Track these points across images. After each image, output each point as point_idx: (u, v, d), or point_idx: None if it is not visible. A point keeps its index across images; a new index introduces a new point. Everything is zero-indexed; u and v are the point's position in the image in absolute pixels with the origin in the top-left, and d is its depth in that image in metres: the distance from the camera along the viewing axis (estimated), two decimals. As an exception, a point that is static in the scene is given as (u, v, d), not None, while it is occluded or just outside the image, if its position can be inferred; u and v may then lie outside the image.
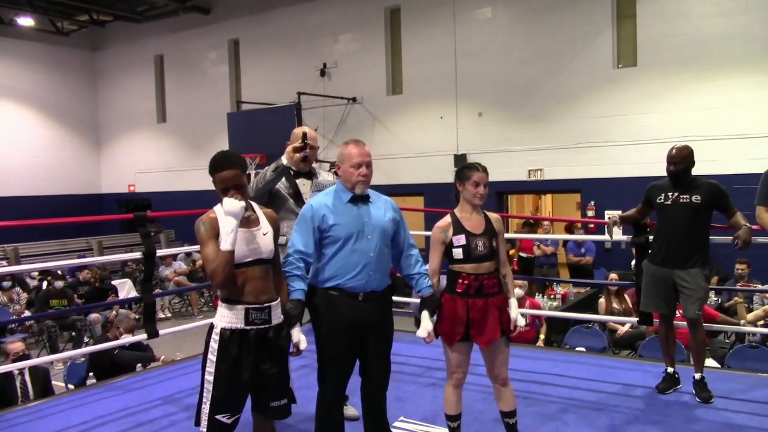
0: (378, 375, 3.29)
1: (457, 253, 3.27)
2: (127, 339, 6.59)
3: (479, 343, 3.29)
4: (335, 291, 3.16)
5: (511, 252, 12.06)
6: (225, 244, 2.66)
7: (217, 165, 2.79)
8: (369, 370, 3.28)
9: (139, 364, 6.88)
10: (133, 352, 6.86)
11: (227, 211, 2.67)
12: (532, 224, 12.14)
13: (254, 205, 2.92)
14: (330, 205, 3.19)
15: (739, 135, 9.93)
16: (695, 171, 4.24)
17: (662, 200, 4.25)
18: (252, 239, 2.79)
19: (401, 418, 3.99)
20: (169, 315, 12.46)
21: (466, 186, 3.32)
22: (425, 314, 3.26)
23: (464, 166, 3.37)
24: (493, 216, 3.42)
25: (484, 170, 3.32)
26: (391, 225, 3.27)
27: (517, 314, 3.38)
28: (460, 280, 3.27)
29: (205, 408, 2.75)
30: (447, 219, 3.36)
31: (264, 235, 2.83)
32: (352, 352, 3.21)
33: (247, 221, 2.78)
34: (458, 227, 3.30)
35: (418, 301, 3.34)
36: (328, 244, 3.17)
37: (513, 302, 3.40)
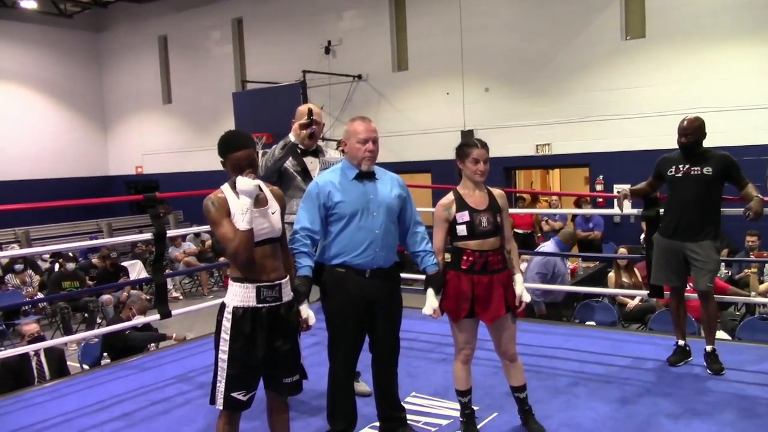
0: (387, 351, 3.32)
1: (461, 229, 3.26)
2: (140, 320, 6.67)
3: (484, 320, 3.30)
4: (342, 268, 3.17)
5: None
6: (242, 224, 2.66)
7: (229, 144, 2.77)
8: (378, 346, 3.30)
9: (153, 344, 6.96)
10: (145, 333, 6.93)
11: (242, 189, 2.65)
12: (524, 199, 12.14)
13: (261, 183, 2.92)
14: (336, 183, 3.19)
15: (750, 106, 9.82)
16: (706, 142, 4.20)
17: (673, 173, 4.22)
18: (262, 218, 2.79)
19: (413, 393, 4.01)
20: (180, 295, 12.54)
21: (466, 163, 3.30)
22: (430, 291, 3.27)
23: (463, 143, 3.34)
24: (497, 191, 3.40)
25: (484, 146, 3.29)
26: (397, 202, 3.26)
27: (522, 290, 3.37)
28: (465, 257, 3.26)
29: (221, 386, 2.77)
30: (450, 196, 3.34)
31: (272, 213, 2.83)
32: (360, 328, 3.24)
33: (257, 200, 2.78)
34: (461, 204, 3.29)
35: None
36: (333, 221, 3.18)
37: (518, 278, 3.39)
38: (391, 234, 3.26)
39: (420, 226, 3.39)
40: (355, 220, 3.15)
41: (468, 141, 3.34)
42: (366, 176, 3.22)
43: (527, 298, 3.38)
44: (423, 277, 3.35)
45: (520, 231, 11.55)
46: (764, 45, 9.82)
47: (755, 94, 9.84)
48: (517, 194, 12.83)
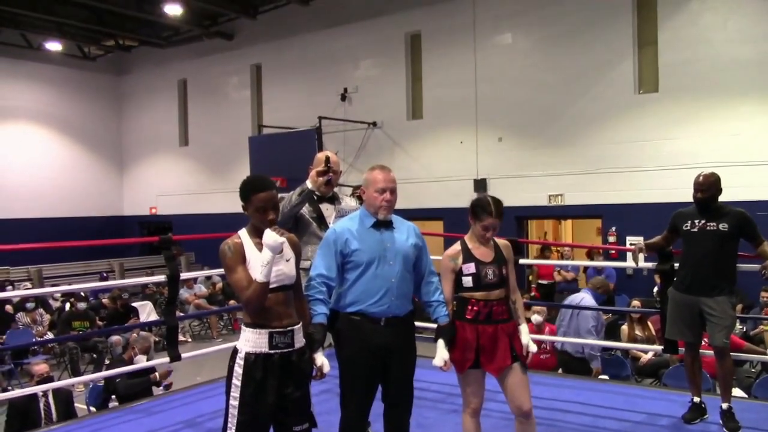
0: (401, 400, 3.28)
1: (467, 281, 3.28)
2: (142, 361, 6.63)
3: (490, 371, 3.28)
4: (357, 316, 3.17)
5: (531, 278, 11.98)
6: (260, 276, 2.68)
7: (253, 186, 2.82)
8: (391, 395, 3.27)
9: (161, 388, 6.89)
10: (133, 381, 6.64)
11: (267, 243, 2.67)
12: (546, 252, 12.08)
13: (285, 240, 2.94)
14: (353, 230, 3.21)
15: (762, 161, 9.83)
16: (720, 198, 4.21)
17: (688, 227, 4.22)
18: (277, 265, 2.81)
19: (423, 445, 3.95)
20: (189, 338, 12.49)
21: (476, 224, 3.32)
22: (441, 343, 3.26)
23: (478, 205, 3.32)
24: (503, 243, 3.42)
25: (498, 215, 3.27)
26: (413, 251, 3.28)
27: (528, 340, 3.37)
28: (470, 307, 3.28)
29: (231, 432, 2.75)
30: (456, 247, 3.37)
31: (287, 261, 2.85)
32: (374, 377, 3.21)
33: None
34: (468, 256, 3.31)
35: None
36: (350, 268, 3.19)
37: (524, 328, 3.39)
38: (407, 282, 3.26)
39: (434, 276, 3.40)
40: (372, 268, 3.16)
41: (485, 206, 3.29)
42: (383, 225, 3.24)
43: (533, 348, 3.38)
44: (434, 325, 3.34)
45: (544, 282, 11.52)
46: (776, 101, 9.88)
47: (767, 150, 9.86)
48: (542, 245, 12.83)
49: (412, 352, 3.34)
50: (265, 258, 2.68)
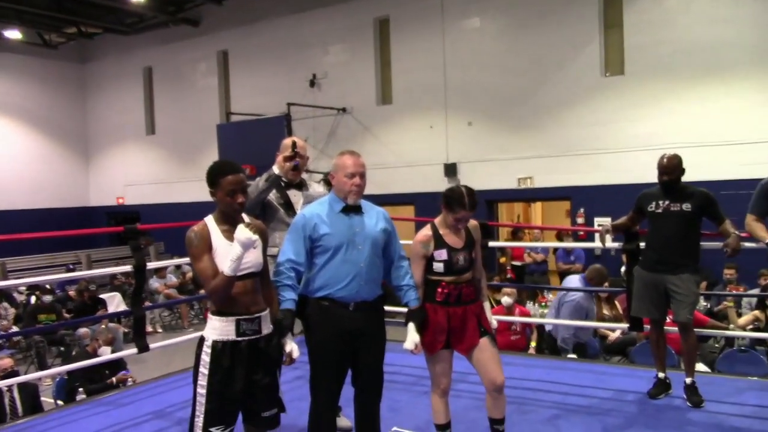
0: (371, 385, 3.29)
1: (438, 267, 3.31)
2: (107, 353, 6.57)
3: (459, 351, 3.34)
4: (326, 301, 3.16)
5: (503, 260, 12.09)
6: (228, 270, 2.66)
7: (221, 170, 2.79)
8: (361, 380, 3.27)
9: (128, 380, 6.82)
10: (93, 387, 6.50)
11: (239, 239, 2.64)
12: (519, 233, 12.19)
13: (245, 217, 2.92)
14: (322, 215, 3.20)
15: (726, 141, 10.01)
16: (684, 177, 4.28)
17: (653, 208, 4.29)
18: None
19: (394, 428, 3.97)
20: (160, 330, 12.37)
21: (449, 214, 3.33)
22: (411, 326, 3.27)
23: (453, 197, 3.29)
24: (472, 224, 3.44)
25: (471, 206, 3.26)
26: (382, 236, 3.27)
27: (491, 316, 3.49)
28: (440, 290, 3.31)
29: (199, 421, 2.74)
30: (427, 232, 3.37)
31: (255, 248, 2.83)
32: (344, 361, 3.21)
33: None
34: (439, 242, 3.33)
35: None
36: (319, 253, 3.18)
37: (486, 305, 3.50)
38: (376, 267, 3.26)
39: (404, 260, 3.40)
40: (341, 252, 3.15)
41: (459, 199, 3.27)
42: (352, 210, 3.23)
43: (494, 324, 3.51)
44: (403, 309, 3.35)
45: (518, 263, 11.65)
46: (740, 82, 10.05)
47: (731, 130, 10.05)
48: (511, 228, 12.98)
49: (382, 336, 3.34)
50: (234, 253, 2.65)
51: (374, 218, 3.29)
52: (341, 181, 3.20)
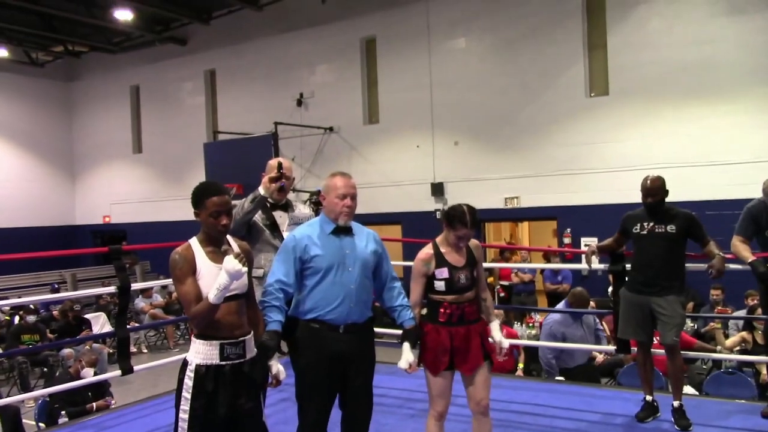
0: (360, 408, 3.26)
1: (440, 285, 3.30)
2: (89, 375, 6.47)
3: (463, 371, 3.31)
4: (316, 323, 3.14)
5: (490, 280, 12.10)
6: (213, 298, 2.63)
7: (206, 191, 2.77)
8: (350, 403, 3.24)
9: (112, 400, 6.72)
10: (73, 410, 6.39)
11: (227, 269, 2.61)
12: (506, 253, 12.22)
13: (230, 239, 2.90)
14: (313, 236, 3.19)
15: (710, 162, 10.11)
16: (669, 198, 4.30)
17: (638, 230, 4.30)
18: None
19: (381, 452, 3.93)
20: (145, 350, 12.23)
21: (450, 232, 3.34)
22: (406, 345, 3.26)
23: (455, 216, 3.31)
24: (473, 243, 3.45)
25: (473, 224, 3.28)
26: (372, 257, 3.27)
27: (500, 337, 3.43)
28: (442, 310, 3.30)
29: (180, 447, 2.69)
30: (429, 251, 3.37)
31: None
32: (332, 384, 3.18)
33: (225, 256, 2.75)
34: (441, 260, 3.33)
35: (398, 331, 3.33)
36: (309, 275, 3.16)
37: (494, 325, 3.45)
38: (366, 289, 3.25)
39: (396, 281, 3.39)
40: (331, 274, 3.14)
41: (461, 217, 3.29)
42: (343, 231, 3.22)
43: (506, 344, 3.45)
44: (393, 331, 3.33)
45: (506, 283, 11.69)
46: (723, 104, 10.16)
47: (715, 150, 10.14)
48: (500, 249, 13.01)
49: (372, 359, 3.32)
50: (221, 283, 2.62)
51: (364, 240, 3.29)
52: (332, 203, 3.20)
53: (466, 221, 3.28)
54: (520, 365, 7.42)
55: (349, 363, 3.16)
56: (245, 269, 2.66)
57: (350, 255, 3.18)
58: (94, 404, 6.61)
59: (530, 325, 8.67)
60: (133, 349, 11.10)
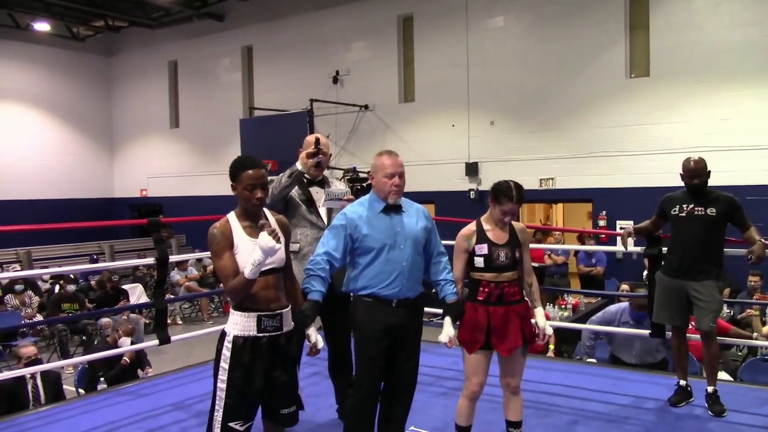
0: (406, 380, 3.32)
1: (478, 261, 3.32)
2: (126, 344, 6.62)
3: (500, 351, 3.31)
4: (370, 298, 3.21)
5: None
6: (248, 273, 2.66)
7: (244, 164, 2.80)
8: (397, 375, 3.30)
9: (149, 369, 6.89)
10: (112, 373, 6.54)
11: (261, 245, 2.64)
12: (538, 234, 12.10)
13: (267, 213, 2.93)
14: (363, 215, 3.25)
15: (751, 146, 9.85)
16: (709, 182, 4.22)
17: (677, 212, 4.23)
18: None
19: (411, 427, 3.96)
20: (180, 322, 12.49)
21: (495, 207, 3.35)
22: (448, 320, 3.31)
23: (500, 190, 3.33)
24: (518, 226, 3.45)
25: (518, 200, 3.29)
26: (423, 234, 3.32)
27: (545, 323, 3.42)
28: (481, 288, 3.32)
29: (218, 415, 2.76)
30: (471, 227, 3.40)
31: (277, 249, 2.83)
32: (386, 355, 3.25)
33: (262, 230, 2.78)
34: (482, 237, 3.34)
35: (434, 310, 3.36)
36: (361, 253, 3.23)
37: (539, 311, 3.44)
38: (417, 266, 3.30)
39: (443, 256, 3.44)
40: (383, 253, 3.20)
41: (506, 191, 3.30)
42: (393, 209, 3.28)
43: (550, 330, 3.44)
44: (429, 309, 3.36)
45: (536, 264, 11.59)
46: (766, 87, 9.88)
47: (756, 134, 9.87)
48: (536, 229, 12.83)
49: (420, 333, 3.38)
50: (256, 258, 2.65)
51: (414, 217, 3.34)
52: (381, 182, 3.25)
53: (512, 195, 3.29)
54: (551, 346, 7.40)
55: (399, 335, 3.24)
56: (279, 245, 2.69)
57: (401, 233, 3.24)
58: (126, 358, 6.69)
59: (563, 307, 8.63)
60: (168, 320, 11.33)
